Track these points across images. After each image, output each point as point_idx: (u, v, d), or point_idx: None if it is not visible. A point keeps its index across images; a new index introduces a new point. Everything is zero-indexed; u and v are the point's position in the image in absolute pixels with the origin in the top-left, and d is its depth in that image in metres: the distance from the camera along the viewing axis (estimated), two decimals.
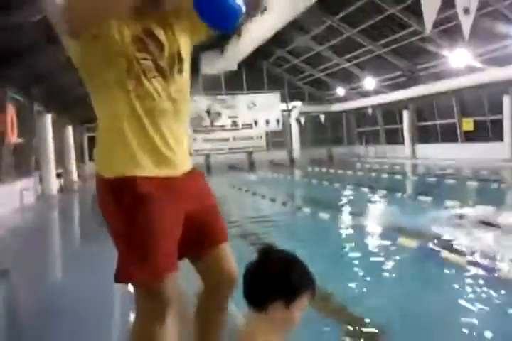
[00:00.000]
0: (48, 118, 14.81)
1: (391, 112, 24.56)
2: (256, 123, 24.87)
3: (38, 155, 14.81)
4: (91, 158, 26.31)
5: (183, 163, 1.95)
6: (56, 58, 9.56)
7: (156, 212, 1.80)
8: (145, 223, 1.78)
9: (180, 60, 1.97)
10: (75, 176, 18.49)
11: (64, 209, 12.12)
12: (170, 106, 1.88)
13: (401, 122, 23.58)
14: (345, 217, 8.49)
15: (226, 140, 26.63)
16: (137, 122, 1.82)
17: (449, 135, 20.90)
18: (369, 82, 22.18)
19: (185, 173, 1.95)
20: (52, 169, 14.70)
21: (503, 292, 4.20)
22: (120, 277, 1.81)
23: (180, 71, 1.96)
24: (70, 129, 19.23)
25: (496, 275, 4.64)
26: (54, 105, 15.44)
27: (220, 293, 2.02)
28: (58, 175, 15.62)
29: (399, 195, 10.98)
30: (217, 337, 2.05)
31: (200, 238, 2.00)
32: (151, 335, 1.79)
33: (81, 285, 4.53)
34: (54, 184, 14.80)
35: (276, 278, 1.31)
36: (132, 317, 3.31)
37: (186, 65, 2.00)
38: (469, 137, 19.80)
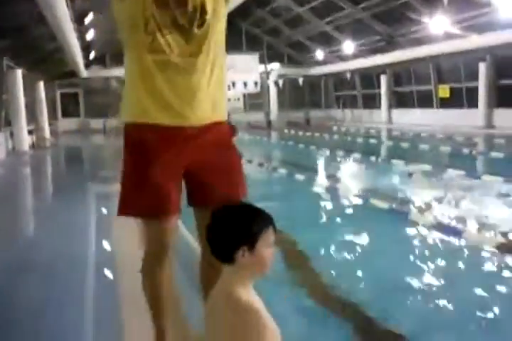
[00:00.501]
0: (19, 73, 14.34)
1: (369, 77, 24.50)
2: (234, 84, 24.51)
3: (9, 110, 14.42)
4: (64, 115, 25.79)
5: (196, 116, 1.94)
6: (27, 11, 9.16)
7: (152, 157, 1.93)
8: (139, 166, 1.95)
9: (203, 12, 1.96)
10: (47, 133, 18.12)
11: (35, 165, 11.93)
12: (184, 61, 1.93)
13: (379, 87, 23.59)
14: (320, 179, 8.58)
15: None
16: (149, 76, 1.92)
17: (425, 101, 21.04)
18: (348, 46, 21.92)
19: (200, 126, 1.96)
20: (23, 125, 14.37)
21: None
22: (117, 211, 2.03)
23: (201, 25, 1.96)
24: (41, 85, 18.70)
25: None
26: (24, 60, 14.92)
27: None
28: (30, 132, 15.28)
29: (373, 158, 11.11)
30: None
31: (195, 193, 2.07)
32: (151, 278, 1.99)
33: (52, 239, 4.53)
34: (25, 140, 14.50)
35: (230, 228, 1.35)
36: (103, 272, 3.35)
37: (211, 19, 1.98)
38: (445, 103, 19.97)
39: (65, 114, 25.86)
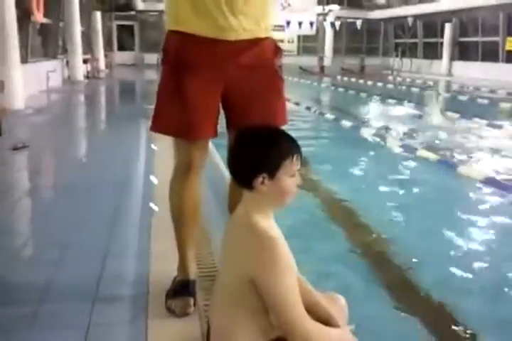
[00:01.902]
0: (75, 0, 14.35)
1: (433, 24, 23.20)
2: (288, 24, 23.74)
3: (65, 38, 14.59)
4: (119, 48, 25.93)
5: (238, 28, 1.81)
6: None
7: (189, 68, 1.84)
8: (172, 83, 1.87)
9: None
10: (102, 64, 18.32)
11: (90, 94, 12.18)
12: None
13: (441, 36, 22.36)
14: (367, 127, 8.40)
15: None
16: None
17: (490, 54, 19.87)
18: None
19: (242, 40, 1.83)
20: (78, 54, 14.55)
21: None
22: (150, 127, 1.98)
23: None
24: (98, 15, 18.71)
25: None
26: None
27: None
28: (85, 61, 15.49)
29: (426, 109, 10.74)
30: None
31: (230, 116, 1.98)
32: (175, 190, 1.97)
33: (103, 162, 4.69)
34: (80, 69, 14.73)
35: (251, 152, 1.29)
36: (141, 199, 3.46)
37: None
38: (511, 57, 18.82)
39: (121, 47, 25.99)
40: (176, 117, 1.87)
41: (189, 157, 1.91)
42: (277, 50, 1.98)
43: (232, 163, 1.35)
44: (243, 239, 1.30)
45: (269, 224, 1.31)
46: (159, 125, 1.94)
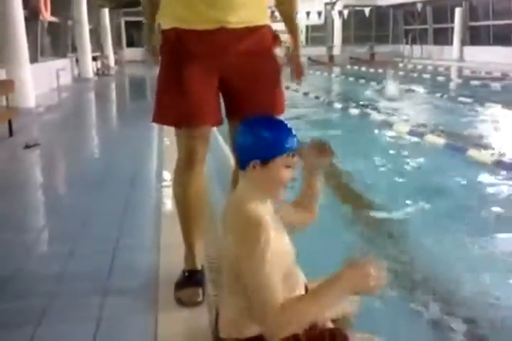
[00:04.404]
0: None
1: (442, 9, 22.85)
2: (296, 14, 23.55)
3: (74, 36, 14.66)
4: (128, 45, 25.97)
5: (232, 18, 1.81)
6: None
7: (187, 59, 1.86)
8: (168, 72, 1.90)
9: None
10: (111, 61, 18.40)
11: (100, 91, 12.25)
12: None
13: (452, 21, 22.03)
14: (376, 114, 8.34)
15: None
16: None
17: (502, 38, 19.53)
18: None
19: (238, 29, 1.84)
20: (88, 51, 14.63)
21: None
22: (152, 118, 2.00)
23: None
24: (106, 12, 18.75)
25: None
26: None
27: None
28: (94, 59, 15.56)
29: (437, 95, 10.63)
30: None
31: (228, 104, 1.99)
32: (178, 182, 1.98)
33: (114, 158, 4.72)
34: (90, 67, 14.81)
35: (250, 139, 1.32)
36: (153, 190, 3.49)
37: None
38: None
39: (130, 43, 26.03)
40: (175, 107, 1.88)
41: (191, 147, 1.91)
42: (275, 38, 1.98)
43: (236, 148, 1.40)
44: (232, 218, 1.32)
45: (258, 207, 1.30)
46: (160, 116, 1.95)
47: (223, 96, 1.98)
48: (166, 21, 1.92)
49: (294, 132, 1.34)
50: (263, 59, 1.94)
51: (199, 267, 2.03)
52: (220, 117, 1.96)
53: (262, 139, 1.30)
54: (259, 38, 1.92)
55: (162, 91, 1.94)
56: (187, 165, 1.94)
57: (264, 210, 1.32)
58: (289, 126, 1.36)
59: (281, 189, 1.33)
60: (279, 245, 1.30)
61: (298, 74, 2.11)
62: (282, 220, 1.43)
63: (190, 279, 1.96)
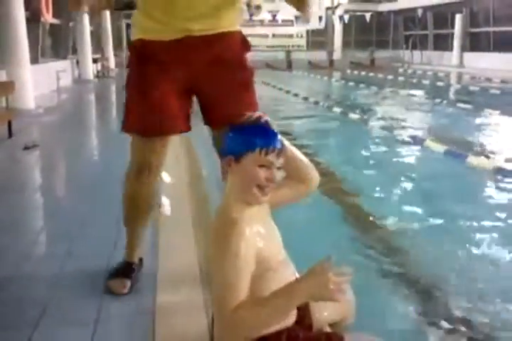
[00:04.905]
0: None
1: (443, 15, 22.93)
2: (297, 19, 23.65)
3: (75, 38, 14.68)
4: None
5: (198, 25, 1.82)
6: None
7: (150, 74, 1.89)
8: (135, 82, 1.94)
9: None
10: (112, 63, 18.41)
11: (100, 93, 12.26)
12: None
13: (452, 27, 22.10)
14: (376, 120, 8.35)
15: (265, 36, 25.70)
16: None
17: (502, 44, 19.58)
18: None
19: (205, 36, 1.84)
20: (88, 53, 14.63)
21: None
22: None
23: None
24: (107, 14, 18.76)
25: None
26: None
27: None
28: (95, 60, 15.58)
29: (437, 101, 10.65)
30: None
31: (204, 112, 2.00)
32: (127, 189, 2.05)
33: (112, 159, 4.72)
34: (90, 68, 14.82)
35: (229, 137, 1.34)
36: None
37: None
38: None
39: None
40: (142, 116, 1.91)
41: (146, 157, 1.97)
42: (245, 44, 1.98)
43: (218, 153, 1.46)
44: (213, 225, 1.33)
45: (239, 209, 1.29)
46: (128, 125, 1.98)
47: (199, 103, 2.00)
48: (134, 32, 1.97)
49: (274, 132, 1.33)
50: (232, 65, 1.92)
51: (135, 260, 2.14)
52: (188, 125, 1.99)
53: (236, 135, 1.32)
54: (228, 44, 1.91)
55: (130, 101, 1.96)
56: (139, 175, 1.99)
57: (246, 212, 1.30)
58: (270, 126, 1.36)
59: (253, 187, 1.29)
60: (263, 243, 1.28)
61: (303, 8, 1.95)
62: (276, 202, 1.43)
63: (123, 270, 2.08)
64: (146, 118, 1.90)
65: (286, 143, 1.40)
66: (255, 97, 2.00)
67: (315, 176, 1.49)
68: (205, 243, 2.33)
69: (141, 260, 2.20)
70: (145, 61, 1.90)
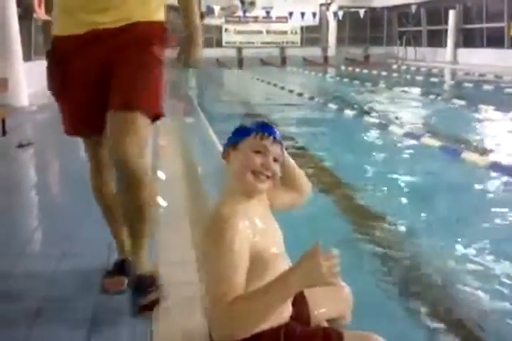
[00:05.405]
0: None
1: (437, 11, 22.97)
2: (291, 15, 23.62)
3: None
4: None
5: (111, 17, 1.78)
6: None
7: (63, 74, 1.87)
8: (54, 83, 1.93)
9: None
10: None
11: None
12: None
13: (446, 23, 22.14)
14: (371, 115, 8.36)
15: (259, 33, 25.66)
16: None
17: (495, 40, 19.65)
18: None
19: (117, 27, 1.80)
20: None
21: None
22: None
23: None
24: None
25: None
26: None
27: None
28: None
29: (431, 97, 10.68)
30: None
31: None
32: (93, 187, 2.09)
33: None
34: None
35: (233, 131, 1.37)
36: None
37: None
38: None
39: None
40: (64, 117, 1.94)
41: (94, 155, 2.00)
42: (161, 37, 1.90)
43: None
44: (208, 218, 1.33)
45: (233, 204, 1.28)
46: (64, 128, 2.00)
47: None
48: (53, 29, 1.93)
49: (271, 125, 1.35)
50: (137, 50, 1.82)
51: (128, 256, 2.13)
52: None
53: (236, 128, 1.36)
54: (138, 34, 1.83)
55: (56, 101, 1.97)
56: (95, 172, 2.03)
57: (239, 203, 1.29)
58: (267, 121, 1.40)
59: (247, 173, 1.28)
60: (258, 236, 1.27)
61: (187, 54, 1.96)
62: (275, 200, 1.43)
63: (118, 268, 2.08)
64: (65, 120, 1.94)
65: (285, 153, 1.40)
66: (158, 92, 1.86)
67: (309, 185, 1.50)
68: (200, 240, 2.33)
69: None
70: (57, 62, 1.88)
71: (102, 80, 1.81)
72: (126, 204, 1.87)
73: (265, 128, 1.32)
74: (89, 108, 1.85)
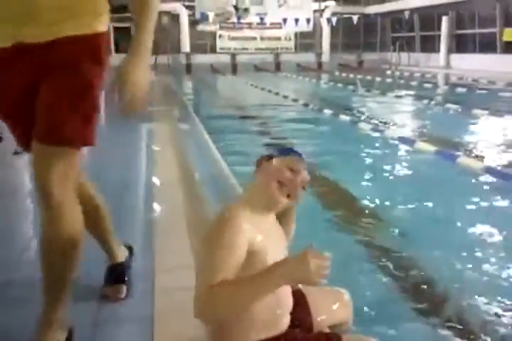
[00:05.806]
0: None
1: (429, 17, 23.15)
2: (285, 21, 23.73)
3: None
4: (117, 51, 25.89)
5: (36, 30, 1.53)
6: None
7: None
8: None
9: None
10: None
11: None
12: None
13: (439, 29, 22.31)
14: (366, 121, 8.39)
15: (253, 39, 25.75)
16: None
17: (487, 45, 19.83)
18: None
19: (45, 42, 1.55)
20: None
21: None
22: None
23: None
24: None
25: None
26: None
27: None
28: None
29: (424, 102, 10.74)
30: None
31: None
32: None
33: (105, 163, 4.70)
34: None
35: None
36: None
37: None
38: (510, 48, 18.75)
39: (118, 49, 25.96)
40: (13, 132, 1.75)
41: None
42: (97, 52, 1.63)
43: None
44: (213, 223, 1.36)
45: (240, 211, 1.30)
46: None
47: None
48: None
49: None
50: (65, 74, 1.57)
51: (121, 259, 2.14)
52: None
53: (276, 148, 1.46)
54: (67, 52, 1.58)
55: None
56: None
57: (248, 214, 1.31)
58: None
59: (273, 181, 1.31)
60: (260, 237, 1.30)
61: (129, 104, 1.69)
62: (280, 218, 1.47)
63: (115, 275, 2.07)
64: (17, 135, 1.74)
65: None
66: (90, 120, 1.66)
67: (290, 237, 1.54)
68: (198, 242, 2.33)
69: (130, 248, 2.26)
70: None
71: (31, 95, 1.60)
72: (47, 270, 1.79)
73: (302, 157, 1.40)
74: (25, 124, 1.63)
